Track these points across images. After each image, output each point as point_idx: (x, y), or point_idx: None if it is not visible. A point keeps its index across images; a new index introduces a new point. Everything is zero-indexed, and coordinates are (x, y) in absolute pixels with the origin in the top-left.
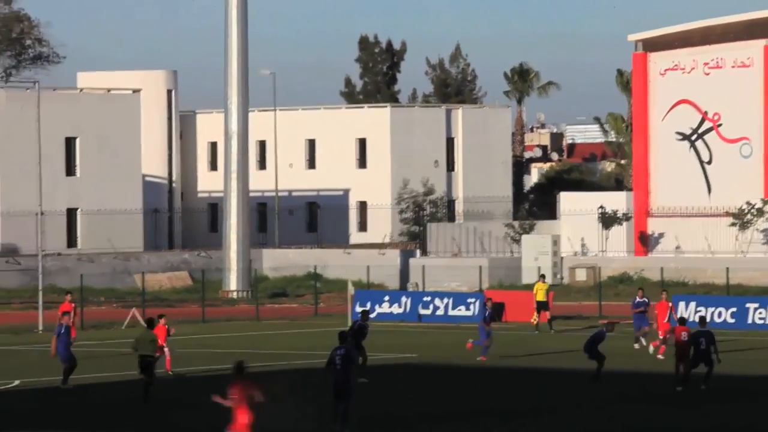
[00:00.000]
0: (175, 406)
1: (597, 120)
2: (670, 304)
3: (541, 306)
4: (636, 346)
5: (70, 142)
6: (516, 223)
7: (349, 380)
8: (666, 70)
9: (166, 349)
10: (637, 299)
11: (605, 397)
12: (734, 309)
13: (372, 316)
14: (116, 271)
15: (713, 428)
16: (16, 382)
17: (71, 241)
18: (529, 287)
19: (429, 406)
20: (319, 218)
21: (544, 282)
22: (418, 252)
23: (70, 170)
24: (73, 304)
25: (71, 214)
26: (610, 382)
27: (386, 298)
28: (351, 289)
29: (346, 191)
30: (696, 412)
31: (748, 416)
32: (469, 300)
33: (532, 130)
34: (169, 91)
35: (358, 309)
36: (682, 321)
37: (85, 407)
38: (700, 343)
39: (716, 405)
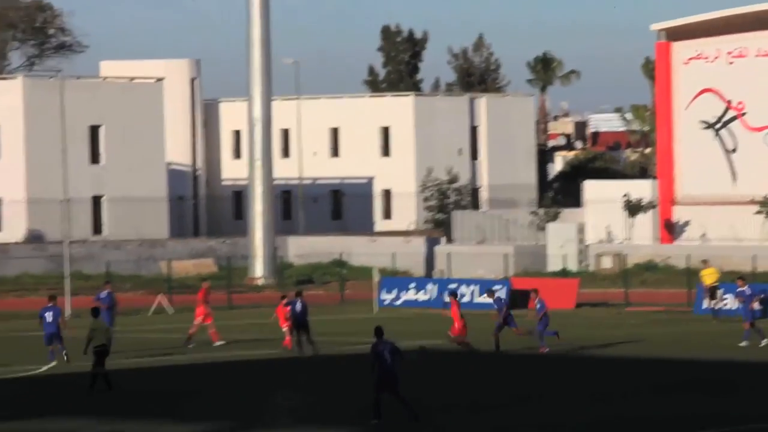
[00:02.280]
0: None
1: (619, 110)
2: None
3: (713, 291)
4: (744, 343)
5: (94, 131)
6: (541, 211)
7: (397, 373)
8: (689, 59)
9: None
10: (739, 288)
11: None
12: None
13: (398, 303)
14: (142, 258)
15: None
16: (46, 368)
17: (97, 228)
18: (555, 275)
19: (454, 394)
20: (343, 206)
21: (709, 266)
22: (443, 239)
23: (94, 158)
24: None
25: (96, 201)
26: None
27: (412, 285)
28: (377, 276)
29: (370, 179)
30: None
31: None
32: (494, 287)
33: (555, 118)
34: (192, 80)
35: (384, 296)
36: None
37: (118, 394)
38: None
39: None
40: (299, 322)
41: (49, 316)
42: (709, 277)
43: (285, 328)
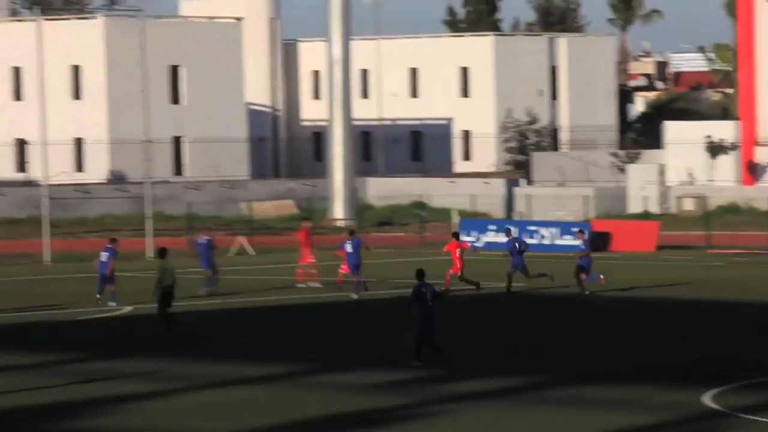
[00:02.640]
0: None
1: (701, 49)
2: None
3: None
4: None
5: (174, 71)
6: (621, 153)
7: (433, 318)
8: None
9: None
10: None
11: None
12: None
13: (478, 245)
14: (222, 199)
15: None
16: (128, 309)
17: (178, 169)
18: (636, 217)
19: (534, 336)
20: (423, 147)
21: None
22: (522, 181)
23: (175, 98)
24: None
25: (177, 142)
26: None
27: (491, 227)
28: (456, 218)
29: (450, 120)
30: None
31: None
32: (574, 229)
33: (636, 58)
34: (271, 20)
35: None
36: None
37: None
38: None
39: None
40: (354, 263)
41: (103, 256)
42: None
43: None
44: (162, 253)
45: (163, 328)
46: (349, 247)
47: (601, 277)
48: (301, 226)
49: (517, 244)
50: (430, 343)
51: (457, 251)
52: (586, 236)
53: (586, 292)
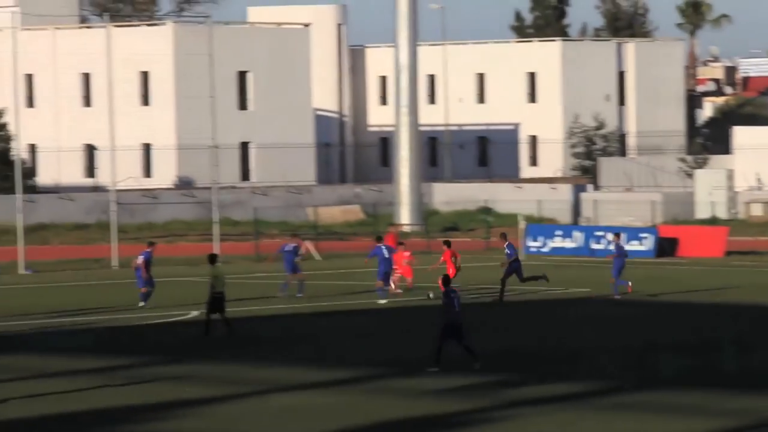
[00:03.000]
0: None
1: None
2: None
3: None
4: None
5: (242, 77)
6: (689, 158)
7: (462, 321)
8: None
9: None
10: None
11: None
12: None
13: (544, 250)
14: (289, 204)
15: None
16: (194, 313)
17: (245, 175)
18: (703, 222)
19: (604, 339)
20: (489, 152)
21: None
22: (589, 186)
23: (242, 104)
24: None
25: (244, 147)
26: None
27: (558, 232)
28: (522, 224)
29: (517, 125)
30: None
31: None
32: (641, 235)
33: (705, 63)
34: (339, 26)
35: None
36: None
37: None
38: None
39: None
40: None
41: (139, 259)
42: None
43: (399, 272)
44: (212, 259)
45: (204, 332)
46: (386, 253)
47: (629, 284)
48: (388, 230)
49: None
50: (462, 345)
51: (452, 258)
52: (620, 240)
53: (617, 296)
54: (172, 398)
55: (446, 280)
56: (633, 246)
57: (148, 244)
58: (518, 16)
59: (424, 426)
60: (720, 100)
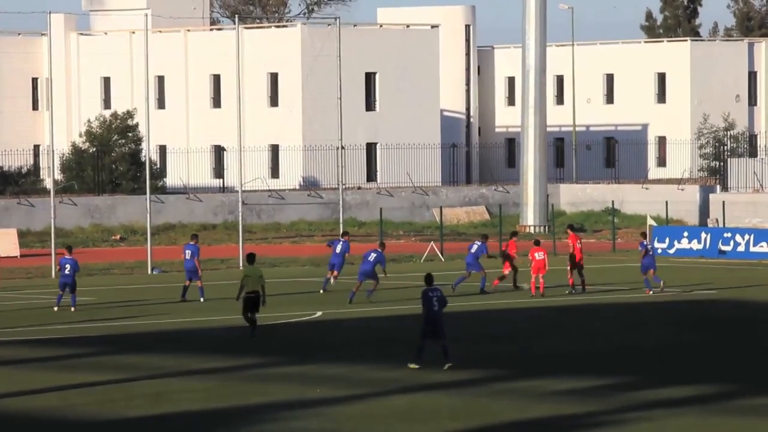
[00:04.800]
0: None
1: None
2: None
3: None
4: None
5: (369, 78)
6: None
7: (442, 320)
8: None
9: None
10: None
11: None
12: None
13: (671, 251)
14: (415, 205)
15: None
16: (319, 314)
17: (370, 175)
18: None
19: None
20: (616, 153)
21: None
22: (718, 187)
23: (369, 105)
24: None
25: (370, 148)
26: None
27: (685, 233)
28: (650, 223)
29: (645, 126)
30: None
31: None
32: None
33: None
34: (467, 26)
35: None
36: None
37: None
38: None
39: None
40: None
41: (187, 254)
42: None
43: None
44: (250, 258)
45: (249, 333)
46: (475, 248)
47: (662, 282)
48: (511, 239)
49: None
50: (440, 344)
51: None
52: (646, 239)
53: (650, 292)
54: (297, 398)
55: (428, 278)
56: (762, 248)
57: (192, 237)
58: (649, 16)
59: (548, 428)
60: None
